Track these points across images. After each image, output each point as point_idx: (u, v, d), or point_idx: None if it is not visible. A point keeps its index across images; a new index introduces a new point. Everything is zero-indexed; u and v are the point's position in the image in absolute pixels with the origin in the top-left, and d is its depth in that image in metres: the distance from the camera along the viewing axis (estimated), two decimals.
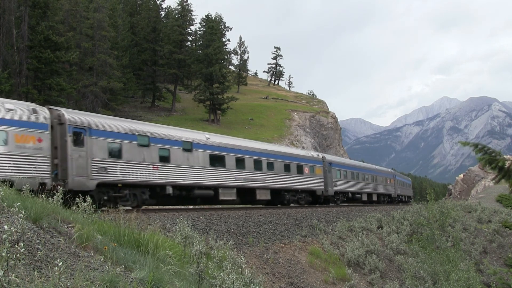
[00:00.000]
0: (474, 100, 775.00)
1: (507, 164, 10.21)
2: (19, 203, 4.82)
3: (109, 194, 15.72)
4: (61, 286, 3.89)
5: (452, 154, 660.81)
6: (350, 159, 58.84)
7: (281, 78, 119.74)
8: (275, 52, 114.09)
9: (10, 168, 12.99)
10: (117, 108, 51.64)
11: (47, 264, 4.61)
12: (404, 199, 48.23)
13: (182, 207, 20.64)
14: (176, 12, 72.50)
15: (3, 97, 21.50)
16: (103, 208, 10.56)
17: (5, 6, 37.10)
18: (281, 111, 74.10)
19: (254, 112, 72.20)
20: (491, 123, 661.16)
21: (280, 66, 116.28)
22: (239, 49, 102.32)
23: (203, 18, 77.62)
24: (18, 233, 3.94)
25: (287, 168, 25.13)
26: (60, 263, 3.98)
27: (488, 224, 31.74)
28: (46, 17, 38.73)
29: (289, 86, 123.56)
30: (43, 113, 14.43)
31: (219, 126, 59.90)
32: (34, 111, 14.14)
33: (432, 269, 18.47)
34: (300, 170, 26.25)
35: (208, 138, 20.69)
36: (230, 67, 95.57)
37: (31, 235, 5.08)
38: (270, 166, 23.63)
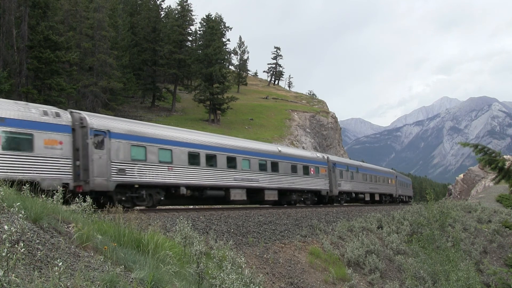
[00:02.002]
0: (474, 100, 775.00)
1: (507, 164, 10.22)
2: (19, 203, 4.82)
3: (127, 195, 16.39)
4: (61, 286, 3.89)
5: (452, 154, 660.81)
6: (350, 159, 58.86)
7: (281, 78, 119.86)
8: (275, 52, 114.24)
9: (36, 169, 13.73)
10: (117, 108, 51.66)
11: (47, 264, 4.61)
12: (405, 199, 48.40)
13: (182, 207, 20.66)
14: (176, 12, 72.51)
15: (3, 97, 21.52)
16: (105, 208, 10.57)
17: (5, 6, 37.09)
18: (281, 111, 74.09)
19: (254, 112, 72.20)
20: (491, 123, 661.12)
21: (280, 66, 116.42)
22: (239, 49, 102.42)
23: (203, 18, 77.75)
24: (18, 233, 3.94)
25: (293, 169, 25.72)
26: (60, 263, 3.98)
27: (488, 224, 31.74)
28: (46, 17, 38.73)
29: (289, 86, 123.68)
30: (66, 117, 15.19)
31: (219, 126, 59.90)
32: (57, 115, 14.88)
33: (432, 269, 18.47)
34: (306, 171, 26.84)
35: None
36: (230, 67, 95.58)
37: (31, 235, 5.08)
38: (276, 167, 24.20)
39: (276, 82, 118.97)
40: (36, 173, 13.65)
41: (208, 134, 22.85)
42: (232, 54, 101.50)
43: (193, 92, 66.12)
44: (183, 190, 18.30)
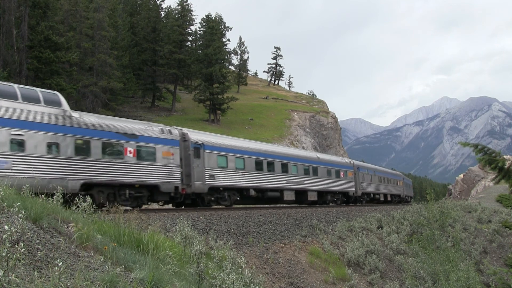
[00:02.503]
0: (474, 100, 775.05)
1: (507, 164, 10.22)
2: (19, 203, 4.82)
3: (215, 196, 19.95)
4: (61, 286, 3.89)
5: (452, 154, 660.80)
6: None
7: (281, 78, 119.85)
8: (275, 52, 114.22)
9: (158, 175, 17.18)
10: (117, 108, 51.65)
11: (47, 264, 4.61)
12: (407, 199, 49.75)
13: (182, 207, 20.65)
14: (176, 12, 72.48)
15: None
16: (104, 208, 10.58)
17: (5, 6, 37.08)
18: (281, 111, 74.08)
19: (254, 112, 72.19)
20: (491, 123, 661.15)
21: (280, 66, 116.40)
22: (239, 49, 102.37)
23: (203, 18, 77.72)
24: (18, 233, 3.94)
25: (328, 173, 29.40)
26: (60, 263, 3.98)
27: (488, 224, 31.73)
28: (46, 17, 38.73)
29: (289, 86, 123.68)
30: (175, 133, 18.55)
31: (219, 126, 59.90)
32: (170, 131, 18.34)
33: (432, 269, 18.47)
34: (337, 174, 30.51)
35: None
36: (230, 67, 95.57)
37: (31, 235, 5.08)
38: (316, 171, 27.89)
39: (276, 82, 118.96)
40: (158, 179, 17.11)
41: (266, 144, 27.41)
42: (232, 54, 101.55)
43: (193, 92, 66.10)
44: (252, 192, 21.91)
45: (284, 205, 26.53)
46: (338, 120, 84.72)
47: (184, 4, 69.55)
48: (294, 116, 72.17)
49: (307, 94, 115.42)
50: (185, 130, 19.51)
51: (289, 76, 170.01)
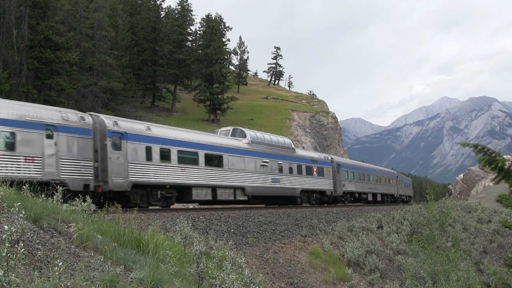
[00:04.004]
0: (474, 100, 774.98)
1: (507, 164, 10.21)
2: (19, 203, 4.82)
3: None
4: (61, 286, 3.89)
5: (452, 154, 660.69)
6: (350, 159, 59.03)
7: (281, 78, 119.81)
8: (275, 52, 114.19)
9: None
10: (117, 108, 51.65)
11: (47, 264, 4.62)
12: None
13: (182, 207, 20.65)
14: (176, 12, 72.48)
15: (3, 97, 21.50)
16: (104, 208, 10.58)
17: (5, 6, 37.08)
18: (281, 111, 74.08)
19: (254, 112, 72.18)
20: (491, 123, 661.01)
21: (280, 66, 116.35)
22: (239, 49, 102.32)
23: (203, 18, 77.66)
24: (18, 233, 3.95)
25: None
26: (60, 263, 3.98)
27: (488, 224, 31.73)
28: (46, 17, 38.72)
29: (289, 86, 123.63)
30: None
31: (219, 126, 59.82)
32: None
33: (432, 269, 18.47)
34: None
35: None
36: (230, 67, 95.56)
37: (31, 235, 5.08)
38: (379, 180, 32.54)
39: (276, 82, 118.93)
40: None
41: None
42: (232, 54, 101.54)
43: (193, 92, 66.10)
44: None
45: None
46: (338, 120, 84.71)
47: (184, 4, 69.56)
48: (294, 116, 72.17)
49: (307, 94, 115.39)
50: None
51: (289, 76, 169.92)
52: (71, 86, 39.33)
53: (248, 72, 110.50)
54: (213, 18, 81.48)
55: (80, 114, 16.05)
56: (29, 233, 4.99)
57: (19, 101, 17.03)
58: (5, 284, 3.47)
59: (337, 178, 30.30)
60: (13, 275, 3.67)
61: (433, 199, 28.22)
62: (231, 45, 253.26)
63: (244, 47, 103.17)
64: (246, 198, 22.11)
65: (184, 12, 69.30)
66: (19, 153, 13.65)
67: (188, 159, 19.17)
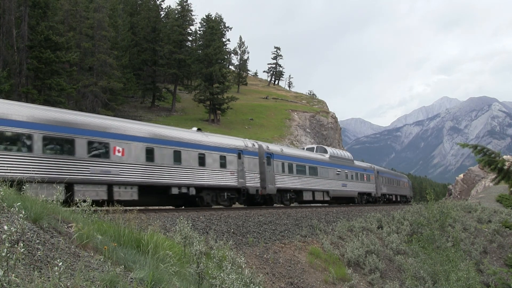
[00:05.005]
0: (474, 100, 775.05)
1: (506, 164, 10.21)
2: (19, 203, 4.82)
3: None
4: (61, 286, 3.89)
5: (452, 154, 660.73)
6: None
7: (281, 78, 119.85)
8: (275, 52, 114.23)
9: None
10: (117, 108, 51.65)
11: (47, 264, 4.62)
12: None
13: (182, 207, 20.65)
14: (176, 12, 72.52)
15: (3, 97, 21.51)
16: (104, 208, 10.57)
17: (5, 6, 37.09)
18: (281, 111, 74.10)
19: (254, 112, 72.20)
20: (491, 123, 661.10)
21: (280, 66, 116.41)
22: (239, 49, 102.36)
23: (203, 18, 77.80)
24: (18, 233, 3.94)
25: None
26: (60, 263, 3.98)
27: (488, 224, 31.71)
28: (46, 17, 38.74)
29: (289, 86, 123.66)
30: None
31: (219, 126, 59.90)
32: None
33: (432, 269, 18.47)
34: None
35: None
36: (230, 67, 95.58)
37: (31, 235, 5.08)
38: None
39: (276, 82, 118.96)
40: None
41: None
42: (232, 54, 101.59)
43: (193, 92, 66.12)
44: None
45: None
46: (338, 120, 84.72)
47: (184, 4, 69.59)
48: (294, 116, 72.18)
49: (307, 94, 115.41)
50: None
51: (289, 76, 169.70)
52: (71, 86, 39.34)
53: (248, 72, 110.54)
54: (213, 18, 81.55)
55: (252, 141, 23.14)
56: (29, 233, 4.99)
57: (221, 135, 23.72)
58: (5, 284, 3.47)
59: (378, 183, 37.41)
60: (13, 275, 3.67)
61: (433, 199, 28.21)
62: (231, 45, 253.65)
63: (244, 47, 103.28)
64: (329, 198, 29.16)
65: (184, 12, 69.34)
66: (227, 169, 20.70)
67: (301, 171, 26.53)
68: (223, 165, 20.59)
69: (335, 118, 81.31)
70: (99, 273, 4.87)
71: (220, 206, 20.62)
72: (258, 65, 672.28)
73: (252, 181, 22.03)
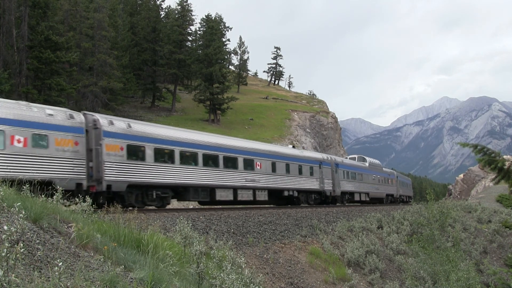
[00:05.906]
0: (474, 100, 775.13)
1: (506, 164, 10.21)
2: (19, 203, 4.82)
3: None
4: (61, 286, 3.89)
5: (452, 154, 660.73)
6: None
7: (281, 78, 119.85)
8: (275, 52, 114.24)
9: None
10: (117, 108, 51.65)
11: (47, 264, 4.62)
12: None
13: (182, 207, 20.64)
14: (176, 12, 72.51)
15: (3, 97, 21.47)
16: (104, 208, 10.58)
17: (5, 6, 37.10)
18: (281, 111, 74.08)
19: (254, 112, 72.19)
20: (491, 123, 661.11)
21: (280, 66, 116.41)
22: (239, 49, 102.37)
23: (203, 18, 77.71)
24: (18, 233, 3.94)
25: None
26: (60, 263, 3.98)
27: (488, 224, 31.71)
28: (46, 17, 38.73)
29: (289, 86, 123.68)
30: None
31: (219, 126, 59.90)
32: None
33: (432, 269, 18.46)
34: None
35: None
36: (230, 67, 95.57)
37: (31, 235, 5.08)
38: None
39: (276, 82, 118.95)
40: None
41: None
42: (232, 54, 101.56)
43: (193, 92, 66.11)
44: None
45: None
46: (338, 120, 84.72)
47: (184, 4, 69.58)
48: (294, 116, 72.17)
49: (307, 94, 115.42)
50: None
51: (289, 76, 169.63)
52: (71, 86, 39.34)
53: (248, 72, 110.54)
54: (213, 18, 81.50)
55: (326, 155, 30.36)
56: (29, 233, 4.99)
57: (307, 150, 31.75)
58: (5, 284, 3.47)
59: (398, 186, 44.33)
60: (13, 275, 3.67)
61: (433, 199, 28.21)
62: (231, 45, 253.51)
63: (244, 47, 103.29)
64: (369, 199, 35.43)
65: (184, 12, 69.32)
66: (314, 177, 27.38)
67: (353, 177, 33.39)
68: (311, 173, 27.29)
69: (335, 118, 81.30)
70: (99, 273, 4.87)
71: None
72: (258, 65, 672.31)
73: (327, 186, 28.67)
